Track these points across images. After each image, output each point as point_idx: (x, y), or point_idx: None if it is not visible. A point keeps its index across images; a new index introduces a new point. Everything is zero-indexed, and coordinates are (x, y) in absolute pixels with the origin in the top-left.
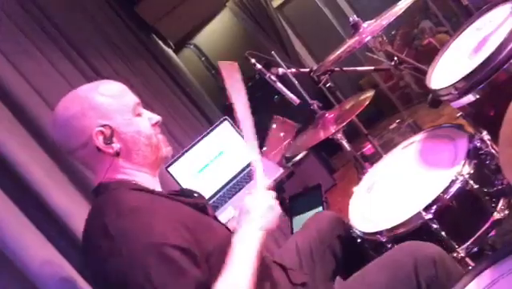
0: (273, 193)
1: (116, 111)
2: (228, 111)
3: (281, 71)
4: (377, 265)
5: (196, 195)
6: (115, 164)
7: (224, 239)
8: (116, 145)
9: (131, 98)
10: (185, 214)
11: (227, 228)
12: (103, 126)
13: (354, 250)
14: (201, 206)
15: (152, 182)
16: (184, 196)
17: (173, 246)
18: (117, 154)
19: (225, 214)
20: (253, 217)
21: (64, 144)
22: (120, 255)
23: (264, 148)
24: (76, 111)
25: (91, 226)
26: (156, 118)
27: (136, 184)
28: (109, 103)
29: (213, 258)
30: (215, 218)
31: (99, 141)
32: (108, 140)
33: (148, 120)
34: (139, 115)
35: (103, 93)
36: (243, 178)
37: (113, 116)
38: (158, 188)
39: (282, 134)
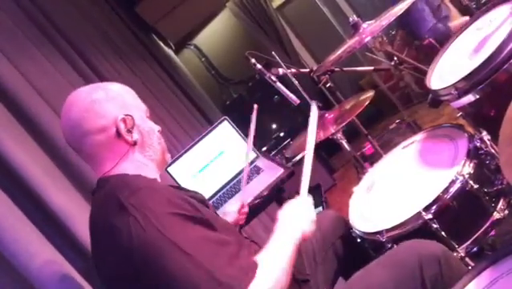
0: (313, 209)
1: (135, 108)
2: (227, 111)
3: (281, 71)
4: (381, 264)
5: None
6: (129, 153)
7: (228, 228)
8: (135, 135)
9: (141, 102)
10: (189, 200)
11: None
12: (127, 115)
13: (356, 251)
14: (201, 199)
15: (156, 177)
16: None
17: (190, 217)
18: (134, 144)
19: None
20: (294, 227)
21: (80, 126)
22: (142, 228)
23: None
24: (102, 96)
25: (101, 211)
26: (158, 127)
27: (140, 175)
28: (130, 99)
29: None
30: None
31: (122, 128)
32: (130, 129)
33: None
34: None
35: (123, 90)
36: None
37: (133, 110)
38: None
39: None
